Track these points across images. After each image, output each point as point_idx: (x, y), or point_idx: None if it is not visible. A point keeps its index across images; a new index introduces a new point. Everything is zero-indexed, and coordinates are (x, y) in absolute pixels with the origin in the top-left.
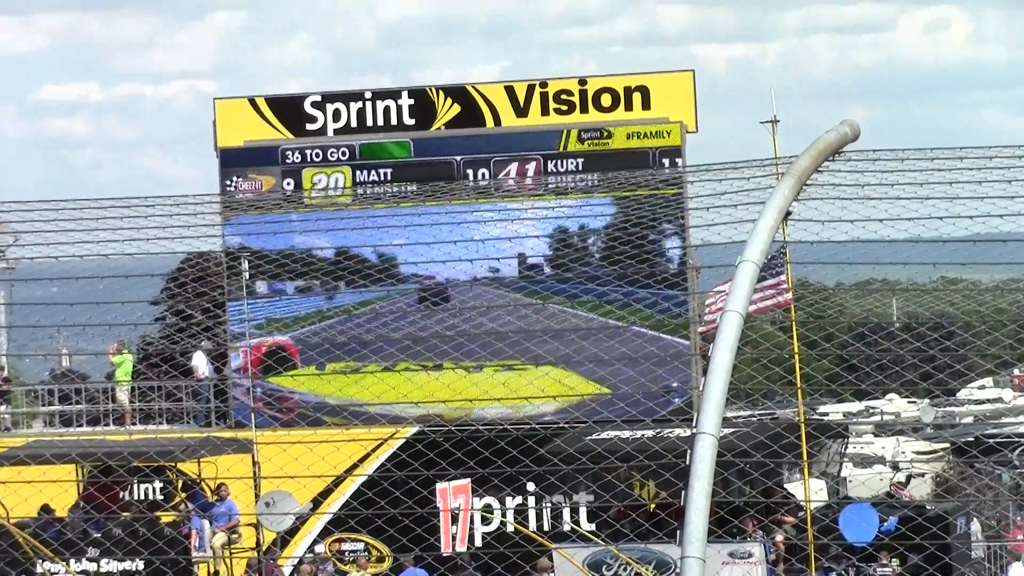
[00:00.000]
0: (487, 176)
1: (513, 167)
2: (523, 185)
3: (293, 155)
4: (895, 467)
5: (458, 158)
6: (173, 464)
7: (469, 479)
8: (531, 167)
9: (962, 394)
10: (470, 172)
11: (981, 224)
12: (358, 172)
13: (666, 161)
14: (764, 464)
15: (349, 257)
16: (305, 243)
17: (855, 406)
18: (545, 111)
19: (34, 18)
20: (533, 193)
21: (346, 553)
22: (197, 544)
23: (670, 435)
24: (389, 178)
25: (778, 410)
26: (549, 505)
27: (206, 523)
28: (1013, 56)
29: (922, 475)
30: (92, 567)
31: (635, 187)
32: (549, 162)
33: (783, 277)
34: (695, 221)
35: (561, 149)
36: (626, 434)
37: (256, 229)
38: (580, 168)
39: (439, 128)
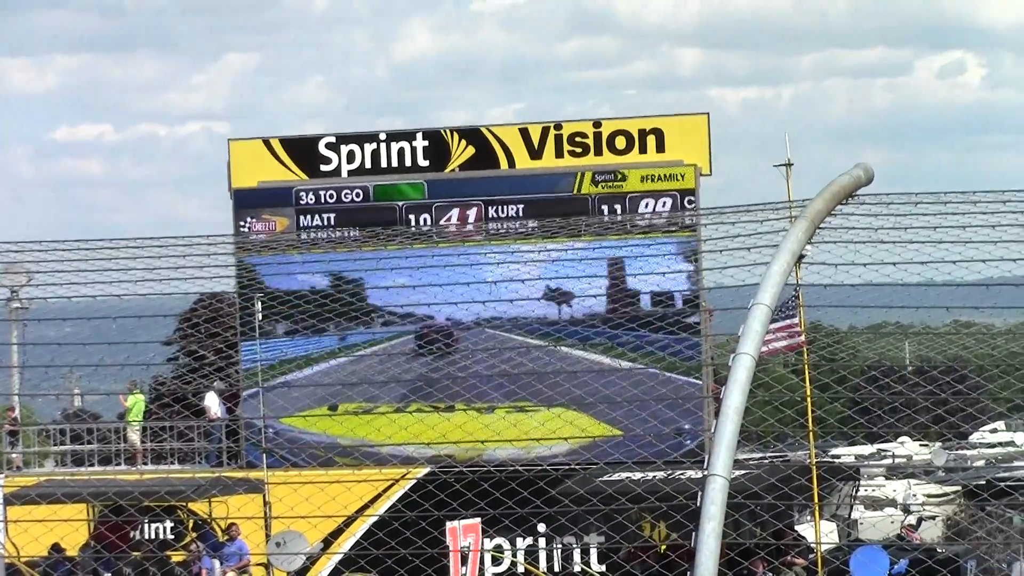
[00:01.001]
0: (428, 222)
1: (455, 212)
2: (514, 229)
3: (307, 196)
4: (906, 510)
5: (400, 203)
6: (184, 504)
7: (479, 519)
8: (472, 213)
9: (974, 437)
10: (412, 217)
11: (995, 268)
12: (302, 217)
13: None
14: (775, 506)
15: (356, 296)
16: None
17: (867, 449)
18: (559, 153)
19: (49, 59)
20: (545, 234)
21: None
22: None
23: (681, 477)
24: (333, 223)
25: (789, 452)
26: (560, 546)
27: (216, 563)
28: None
29: (933, 518)
30: None
31: (648, 229)
32: (490, 208)
33: (796, 320)
34: (708, 264)
35: (575, 192)
36: (637, 476)
37: (267, 270)
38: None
39: (453, 170)
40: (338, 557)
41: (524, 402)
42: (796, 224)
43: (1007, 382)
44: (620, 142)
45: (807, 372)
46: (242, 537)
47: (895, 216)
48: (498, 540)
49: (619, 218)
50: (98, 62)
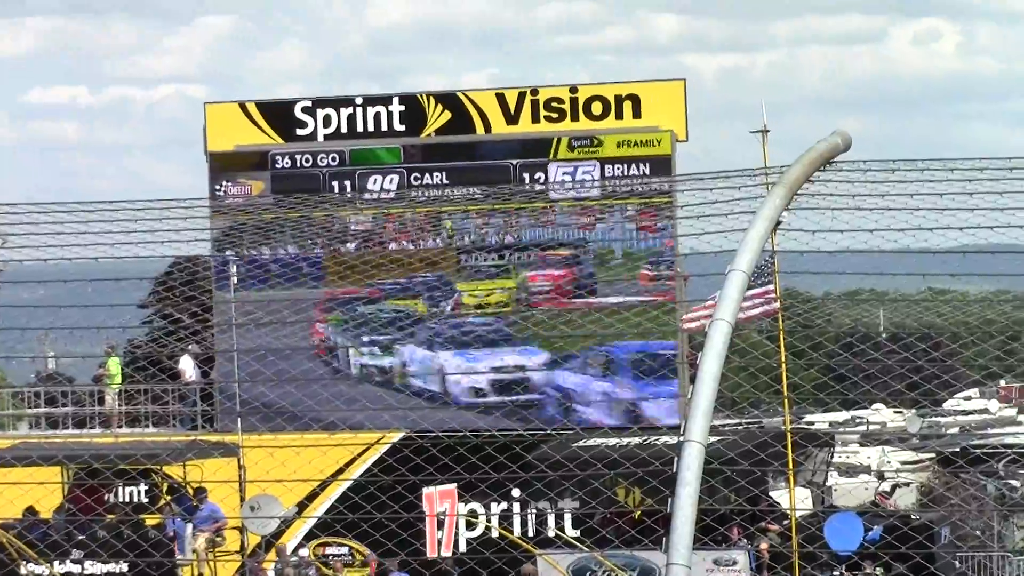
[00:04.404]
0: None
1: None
2: (512, 192)
3: (283, 160)
4: (880, 476)
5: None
6: (159, 467)
7: (455, 484)
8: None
9: (948, 405)
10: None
11: (970, 236)
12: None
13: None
14: (750, 472)
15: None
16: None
17: (841, 415)
18: (536, 118)
19: (24, 21)
20: (525, 202)
21: (330, 557)
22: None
23: (657, 442)
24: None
25: (765, 418)
26: (534, 511)
27: (189, 527)
28: (1003, 69)
29: (907, 485)
30: (76, 569)
31: (626, 196)
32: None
33: (771, 286)
34: (684, 230)
35: (551, 157)
36: (613, 441)
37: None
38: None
39: (429, 134)
40: (312, 521)
41: None
42: (773, 190)
43: (981, 349)
44: (596, 108)
45: (782, 338)
46: (217, 501)
47: (872, 183)
48: (472, 505)
49: (598, 184)
50: (73, 23)
